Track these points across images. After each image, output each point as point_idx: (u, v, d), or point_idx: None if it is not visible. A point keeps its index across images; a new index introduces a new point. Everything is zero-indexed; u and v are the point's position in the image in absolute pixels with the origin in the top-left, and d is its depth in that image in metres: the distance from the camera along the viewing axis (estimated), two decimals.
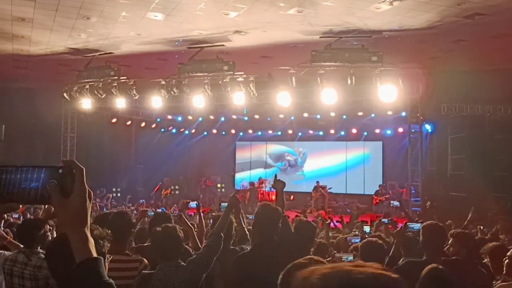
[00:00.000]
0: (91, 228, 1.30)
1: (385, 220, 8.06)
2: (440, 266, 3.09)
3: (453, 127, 16.47)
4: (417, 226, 4.98)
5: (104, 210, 13.00)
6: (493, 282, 3.93)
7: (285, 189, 4.29)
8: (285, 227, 3.70)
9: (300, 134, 21.40)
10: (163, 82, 13.75)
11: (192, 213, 9.49)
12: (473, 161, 15.69)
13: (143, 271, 3.43)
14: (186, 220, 4.84)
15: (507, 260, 3.90)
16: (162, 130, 21.53)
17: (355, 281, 0.90)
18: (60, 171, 1.27)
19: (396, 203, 8.21)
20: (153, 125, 20.82)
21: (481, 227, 8.23)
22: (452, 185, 16.46)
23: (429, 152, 16.98)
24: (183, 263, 3.36)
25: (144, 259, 3.73)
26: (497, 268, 4.11)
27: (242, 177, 22.42)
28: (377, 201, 18.23)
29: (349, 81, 11.82)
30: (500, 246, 4.55)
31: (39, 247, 3.96)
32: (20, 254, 3.88)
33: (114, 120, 18.72)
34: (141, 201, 17.16)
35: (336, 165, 21.43)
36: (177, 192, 20.42)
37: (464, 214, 13.99)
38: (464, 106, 15.58)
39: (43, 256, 3.73)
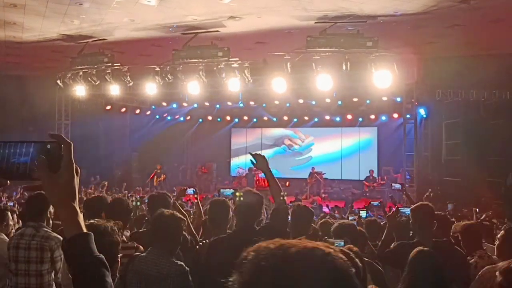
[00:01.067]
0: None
1: (376, 203, 8.13)
2: (426, 249, 3.14)
3: (448, 112, 16.50)
4: (408, 210, 5.00)
5: None
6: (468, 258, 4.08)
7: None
8: (281, 214, 3.58)
9: (295, 120, 21.38)
10: (157, 69, 13.68)
11: (187, 200, 9.51)
12: (467, 146, 15.76)
13: (136, 253, 3.39)
14: (180, 208, 4.83)
15: (498, 242, 3.99)
16: (157, 117, 21.45)
17: (286, 255, 0.87)
18: (48, 146, 1.26)
19: (397, 185, 8.16)
20: (148, 112, 20.74)
21: (477, 210, 8.33)
22: (446, 170, 16.55)
23: (423, 138, 17.03)
24: (174, 259, 3.12)
25: (140, 246, 3.72)
26: (469, 246, 4.22)
27: (238, 163, 22.44)
28: (369, 187, 18.32)
29: (344, 67, 11.79)
30: (472, 225, 4.67)
31: (45, 222, 4.04)
32: (29, 228, 3.98)
33: (108, 107, 18.62)
34: (137, 188, 17.17)
35: (331, 151, 21.48)
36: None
37: (458, 199, 14.18)
38: (459, 91, 15.59)
39: (50, 229, 3.83)
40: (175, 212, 3.38)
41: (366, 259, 2.92)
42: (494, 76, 14.86)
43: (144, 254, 3.15)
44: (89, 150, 18.29)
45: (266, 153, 21.73)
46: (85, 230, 1.25)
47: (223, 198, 4.58)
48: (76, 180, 1.28)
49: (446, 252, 3.62)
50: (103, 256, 1.26)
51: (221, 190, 4.95)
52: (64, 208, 1.25)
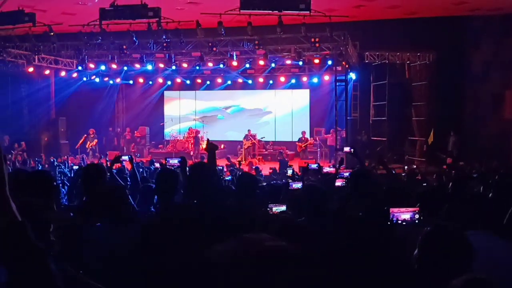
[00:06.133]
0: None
1: (314, 165, 8.35)
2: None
3: (376, 74, 17.17)
4: (347, 174, 5.19)
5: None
6: None
7: (216, 138, 4.30)
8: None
9: (229, 82, 21.28)
10: (83, 29, 12.99)
11: (118, 167, 9.25)
12: (393, 107, 16.59)
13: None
14: (118, 178, 4.72)
15: None
16: (84, 79, 20.45)
17: None
18: None
19: (347, 148, 7.76)
20: (74, 74, 19.70)
21: (405, 167, 8.84)
22: (373, 131, 17.36)
23: (353, 99, 17.66)
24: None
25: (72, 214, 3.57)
26: None
27: (172, 128, 22.10)
28: (302, 148, 18.62)
29: (278, 29, 11.84)
30: None
31: None
32: None
33: (31, 70, 17.48)
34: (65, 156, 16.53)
35: (265, 113, 21.73)
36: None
37: (383, 157, 14.90)
38: (386, 54, 16.23)
39: None
40: (113, 184, 3.29)
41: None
42: (418, 39, 15.60)
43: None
44: (12, 116, 17.25)
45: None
46: (19, 218, 1.17)
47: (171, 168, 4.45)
48: (5, 166, 1.19)
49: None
50: (41, 245, 1.19)
51: (167, 159, 4.83)
52: None
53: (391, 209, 3.34)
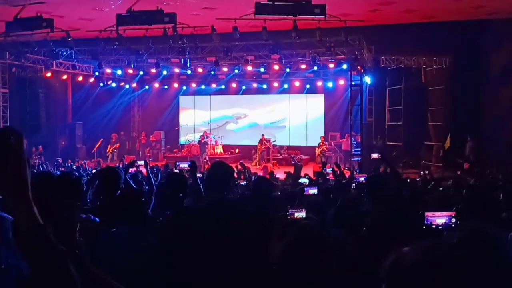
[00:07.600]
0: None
1: (328, 170, 8.30)
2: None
3: (391, 79, 17.04)
4: (362, 179, 5.14)
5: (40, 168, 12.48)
6: None
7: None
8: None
9: (244, 87, 21.32)
10: (101, 34, 13.15)
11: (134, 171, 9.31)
12: (409, 112, 16.43)
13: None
14: (131, 183, 4.75)
15: None
16: (101, 84, 20.68)
17: None
18: None
19: (375, 155, 7.30)
20: (91, 79, 19.95)
21: (426, 172, 8.75)
22: (389, 136, 17.21)
23: (368, 104, 17.54)
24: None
25: (96, 218, 3.63)
26: None
27: (187, 133, 22.19)
28: (318, 154, 18.19)
29: (293, 34, 11.83)
30: None
31: None
32: None
33: (49, 74, 17.75)
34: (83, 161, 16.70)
35: (279, 118, 21.71)
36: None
37: (399, 162, 14.76)
38: (401, 59, 16.10)
39: None
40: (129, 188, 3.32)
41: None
42: (434, 44, 15.45)
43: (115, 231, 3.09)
44: (30, 120, 17.50)
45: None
46: (41, 221, 1.20)
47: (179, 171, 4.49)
48: (29, 171, 1.22)
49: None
50: (63, 248, 1.21)
51: (177, 162, 4.85)
52: (19, 202, 1.19)
53: (426, 214, 3.25)
